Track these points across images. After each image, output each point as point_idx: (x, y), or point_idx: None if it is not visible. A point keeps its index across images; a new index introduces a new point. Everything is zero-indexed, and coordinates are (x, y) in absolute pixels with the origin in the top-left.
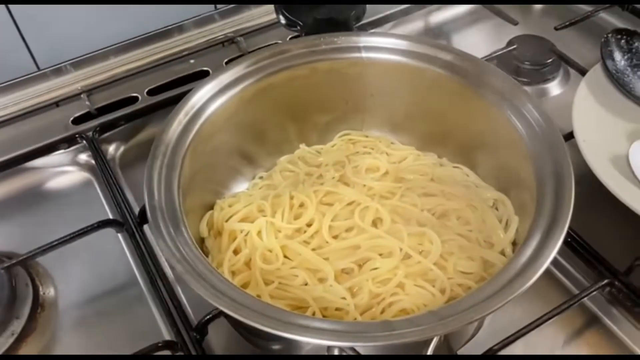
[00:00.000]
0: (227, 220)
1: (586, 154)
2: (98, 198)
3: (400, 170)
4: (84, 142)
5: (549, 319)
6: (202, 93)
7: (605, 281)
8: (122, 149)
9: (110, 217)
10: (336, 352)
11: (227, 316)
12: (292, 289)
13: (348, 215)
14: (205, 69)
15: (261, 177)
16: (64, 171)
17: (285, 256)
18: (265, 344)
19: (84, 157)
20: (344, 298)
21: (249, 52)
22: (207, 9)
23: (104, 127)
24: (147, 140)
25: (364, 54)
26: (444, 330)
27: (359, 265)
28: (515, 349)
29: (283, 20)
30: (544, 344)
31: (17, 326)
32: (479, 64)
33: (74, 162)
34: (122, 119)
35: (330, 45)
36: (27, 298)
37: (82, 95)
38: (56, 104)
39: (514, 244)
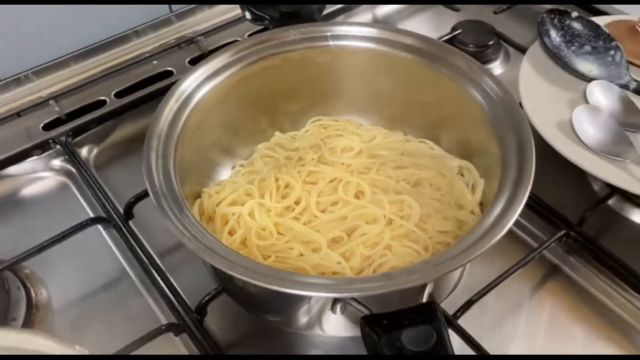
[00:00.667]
0: (217, 206)
1: (535, 121)
2: (76, 200)
3: (372, 148)
4: (58, 146)
5: (515, 271)
6: (188, 83)
7: (562, 232)
8: (95, 151)
9: (92, 215)
10: (338, 311)
11: (228, 291)
12: (289, 260)
13: (332, 191)
14: (168, 69)
15: (242, 165)
16: (39, 177)
17: (278, 232)
18: (269, 313)
19: (57, 162)
20: (339, 263)
21: (210, 50)
22: (162, 12)
23: (76, 131)
24: (119, 141)
25: (331, 42)
26: (437, 274)
27: (348, 234)
28: (489, 299)
29: (249, 16)
30: (513, 294)
31: (15, 327)
32: (440, 46)
33: (49, 168)
34: (93, 122)
35: (299, 36)
36: (21, 300)
37: (50, 102)
38: (17, 113)
39: (482, 204)
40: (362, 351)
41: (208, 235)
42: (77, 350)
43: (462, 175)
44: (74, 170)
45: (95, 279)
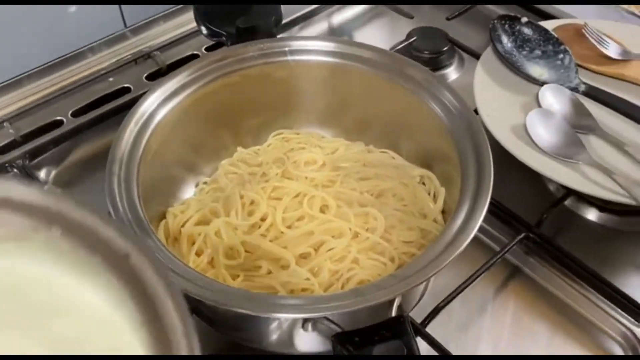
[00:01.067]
0: (182, 226)
1: (490, 126)
2: None
3: (335, 160)
4: (15, 170)
5: (479, 275)
6: (148, 104)
7: (522, 235)
8: (53, 172)
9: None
10: (309, 329)
11: (198, 313)
12: (258, 278)
13: (297, 206)
14: (126, 85)
15: (205, 183)
16: None
17: (246, 250)
18: (241, 333)
19: None
20: (307, 279)
21: (168, 65)
22: (117, 27)
23: (33, 153)
24: (78, 161)
25: (289, 57)
26: (405, 288)
27: (315, 249)
28: (455, 304)
29: (205, 31)
30: (477, 298)
31: None
32: (396, 58)
33: None
34: (50, 143)
35: (258, 52)
36: None
37: (4, 124)
38: None
39: (443, 212)
40: None
41: (175, 260)
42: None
43: (423, 184)
44: None
45: None
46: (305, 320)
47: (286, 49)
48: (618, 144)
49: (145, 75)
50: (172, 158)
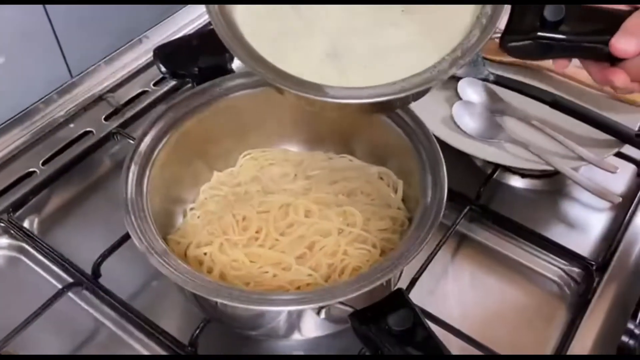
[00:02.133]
0: (187, 250)
1: (423, 120)
2: (33, 272)
3: (304, 170)
4: (2, 224)
5: (440, 247)
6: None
7: (467, 208)
8: (36, 221)
9: (56, 284)
10: (322, 316)
11: (216, 319)
12: (267, 282)
13: (284, 215)
14: (88, 129)
15: (192, 209)
16: None
17: (250, 261)
18: (256, 329)
19: (4, 240)
20: (310, 275)
21: (123, 104)
22: (63, 79)
23: (16, 206)
24: (58, 206)
25: (248, 91)
26: (400, 267)
27: (309, 249)
28: (425, 276)
29: (168, 74)
30: (439, 266)
31: None
32: None
33: None
34: (29, 194)
35: (223, 87)
36: None
37: None
38: None
39: (403, 200)
40: (336, 345)
41: (198, 274)
42: None
43: (381, 179)
44: (24, 244)
45: (76, 340)
46: (320, 307)
47: (248, 81)
48: (527, 120)
49: (103, 117)
50: (164, 194)
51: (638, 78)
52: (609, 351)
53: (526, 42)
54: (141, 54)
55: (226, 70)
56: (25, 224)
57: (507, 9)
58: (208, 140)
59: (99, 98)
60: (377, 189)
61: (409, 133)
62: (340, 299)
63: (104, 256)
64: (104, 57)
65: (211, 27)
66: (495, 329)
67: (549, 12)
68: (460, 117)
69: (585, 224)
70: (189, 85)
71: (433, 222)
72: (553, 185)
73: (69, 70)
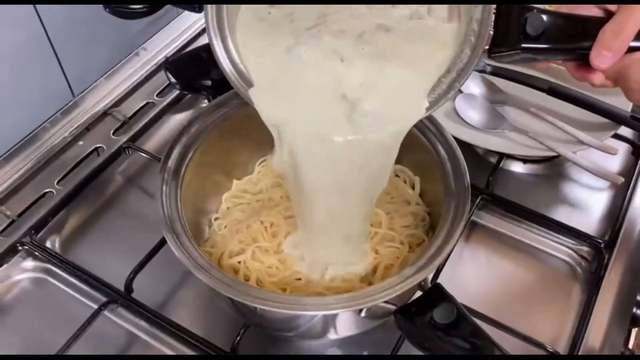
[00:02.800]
0: (220, 261)
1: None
2: (63, 292)
3: None
4: (26, 247)
5: (459, 237)
6: (170, 161)
7: (479, 198)
8: (57, 241)
9: (88, 302)
10: (363, 314)
11: (255, 325)
12: (302, 287)
13: None
14: (98, 145)
15: (217, 218)
16: (15, 281)
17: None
18: (294, 331)
19: (29, 263)
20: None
21: (130, 117)
22: (66, 98)
23: (37, 228)
24: (78, 225)
25: None
26: (436, 265)
27: None
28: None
29: (181, 88)
30: (456, 252)
31: None
32: None
33: (22, 270)
34: (48, 215)
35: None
36: None
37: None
38: None
39: (421, 195)
40: (368, 339)
41: (245, 286)
42: None
43: (397, 176)
44: (49, 266)
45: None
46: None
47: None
48: (525, 108)
49: (111, 132)
50: (192, 206)
51: (612, 78)
52: (625, 322)
53: (511, 53)
54: (140, 65)
55: None
56: (48, 244)
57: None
58: (228, 152)
59: (104, 114)
60: (395, 186)
61: (421, 129)
62: (386, 299)
63: (135, 271)
64: (104, 73)
65: None
66: (515, 310)
67: (530, 26)
68: (463, 110)
69: (586, 204)
70: (203, 97)
71: (462, 216)
72: (552, 169)
73: (71, 89)
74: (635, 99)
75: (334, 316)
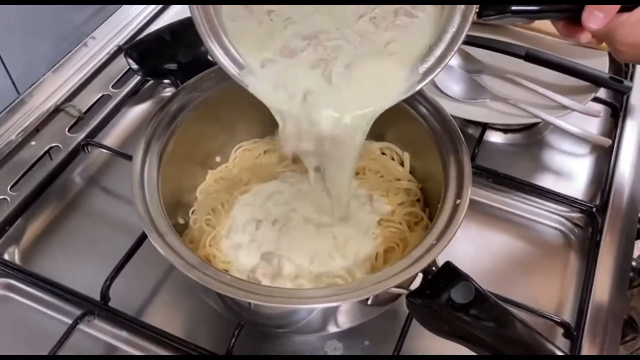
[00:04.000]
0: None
1: None
2: (29, 309)
3: None
4: None
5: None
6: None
7: None
8: (17, 252)
9: (60, 317)
10: (370, 302)
11: (250, 323)
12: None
13: None
14: (53, 145)
15: (193, 212)
16: None
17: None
18: (292, 326)
19: None
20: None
21: (85, 112)
22: (10, 97)
23: None
24: (38, 233)
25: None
26: (443, 246)
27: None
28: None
29: (142, 74)
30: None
31: None
32: None
33: None
34: (3, 224)
35: (205, 84)
36: None
37: None
38: None
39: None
40: (369, 329)
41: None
42: None
43: (384, 154)
44: (11, 280)
45: None
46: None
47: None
48: (503, 76)
49: (66, 129)
50: (171, 200)
51: (599, 38)
52: (624, 285)
53: (502, 16)
54: (91, 56)
55: (207, 62)
56: (7, 256)
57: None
58: (199, 141)
59: (56, 110)
60: (383, 164)
61: (410, 102)
62: (397, 282)
63: (112, 278)
64: (51, 67)
65: (179, 20)
66: (515, 283)
67: None
68: (442, 82)
69: (570, 171)
70: (165, 85)
71: (466, 191)
72: (533, 137)
73: (15, 87)
74: (623, 58)
75: (336, 308)
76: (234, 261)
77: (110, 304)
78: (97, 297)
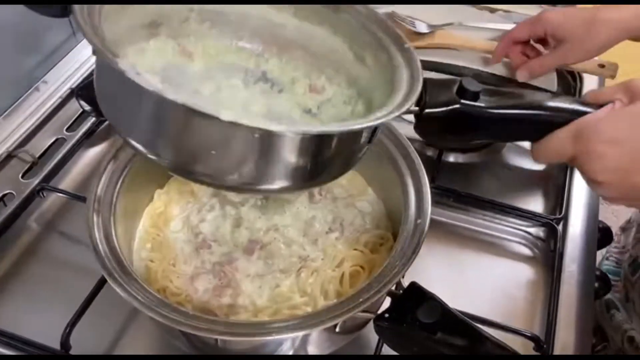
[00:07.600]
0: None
1: None
2: None
3: None
4: None
5: None
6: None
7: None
8: None
9: None
10: (338, 329)
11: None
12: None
13: None
14: (6, 192)
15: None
16: None
17: None
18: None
19: None
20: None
21: (39, 156)
22: None
23: None
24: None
25: None
26: (408, 264)
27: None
28: None
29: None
30: None
31: None
32: None
33: None
34: None
35: None
36: None
37: None
38: None
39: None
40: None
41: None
42: None
43: None
44: None
45: None
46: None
47: None
48: None
49: (20, 175)
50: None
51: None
52: (590, 295)
53: None
54: (43, 100)
55: None
56: None
57: None
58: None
59: (9, 156)
60: (338, 184)
61: None
62: (363, 307)
63: (72, 324)
64: (3, 113)
65: None
66: (484, 300)
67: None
68: None
69: (529, 186)
70: None
71: (425, 212)
72: (490, 154)
73: None
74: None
75: (306, 337)
76: (191, 293)
77: (72, 351)
78: (57, 346)
